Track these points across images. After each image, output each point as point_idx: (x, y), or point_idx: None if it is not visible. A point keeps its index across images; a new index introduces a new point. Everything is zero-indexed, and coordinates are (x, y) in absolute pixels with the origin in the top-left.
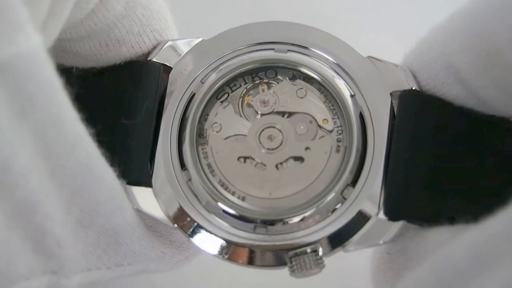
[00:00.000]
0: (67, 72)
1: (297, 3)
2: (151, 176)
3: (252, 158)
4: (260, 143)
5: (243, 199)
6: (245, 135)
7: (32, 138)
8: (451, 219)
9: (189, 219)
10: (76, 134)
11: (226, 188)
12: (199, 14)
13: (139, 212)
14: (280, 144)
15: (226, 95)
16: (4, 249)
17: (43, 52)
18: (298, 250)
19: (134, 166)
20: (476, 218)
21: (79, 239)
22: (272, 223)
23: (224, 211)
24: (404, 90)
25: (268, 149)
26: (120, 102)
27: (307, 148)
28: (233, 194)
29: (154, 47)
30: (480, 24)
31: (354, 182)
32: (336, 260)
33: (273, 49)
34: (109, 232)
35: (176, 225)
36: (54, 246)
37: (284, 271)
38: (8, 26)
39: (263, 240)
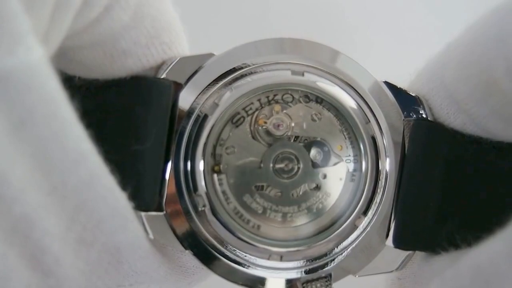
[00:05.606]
0: (69, 81)
1: (312, 18)
2: (162, 201)
3: (268, 186)
4: (276, 171)
5: (258, 227)
6: (260, 161)
7: (31, 152)
8: (456, 246)
9: (202, 245)
10: (80, 151)
11: (240, 217)
12: (210, 26)
13: (149, 237)
14: (296, 172)
15: (242, 119)
16: (0, 265)
17: (46, 65)
18: (311, 277)
19: (144, 193)
20: (478, 240)
21: (80, 257)
22: (286, 251)
23: (238, 239)
24: (417, 119)
25: (284, 176)
26: (127, 123)
27: (322, 175)
28: (247, 222)
29: (163, 61)
30: (476, 54)
31: (365, 211)
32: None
33: (289, 69)
34: (111, 250)
35: (188, 250)
36: (53, 263)
37: None
38: (8, 36)
39: (277, 268)
